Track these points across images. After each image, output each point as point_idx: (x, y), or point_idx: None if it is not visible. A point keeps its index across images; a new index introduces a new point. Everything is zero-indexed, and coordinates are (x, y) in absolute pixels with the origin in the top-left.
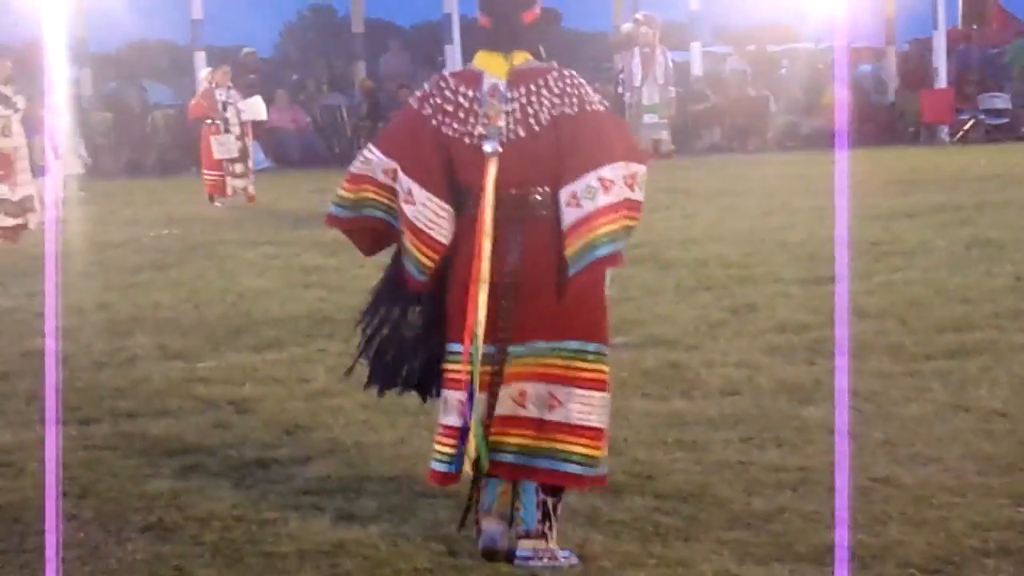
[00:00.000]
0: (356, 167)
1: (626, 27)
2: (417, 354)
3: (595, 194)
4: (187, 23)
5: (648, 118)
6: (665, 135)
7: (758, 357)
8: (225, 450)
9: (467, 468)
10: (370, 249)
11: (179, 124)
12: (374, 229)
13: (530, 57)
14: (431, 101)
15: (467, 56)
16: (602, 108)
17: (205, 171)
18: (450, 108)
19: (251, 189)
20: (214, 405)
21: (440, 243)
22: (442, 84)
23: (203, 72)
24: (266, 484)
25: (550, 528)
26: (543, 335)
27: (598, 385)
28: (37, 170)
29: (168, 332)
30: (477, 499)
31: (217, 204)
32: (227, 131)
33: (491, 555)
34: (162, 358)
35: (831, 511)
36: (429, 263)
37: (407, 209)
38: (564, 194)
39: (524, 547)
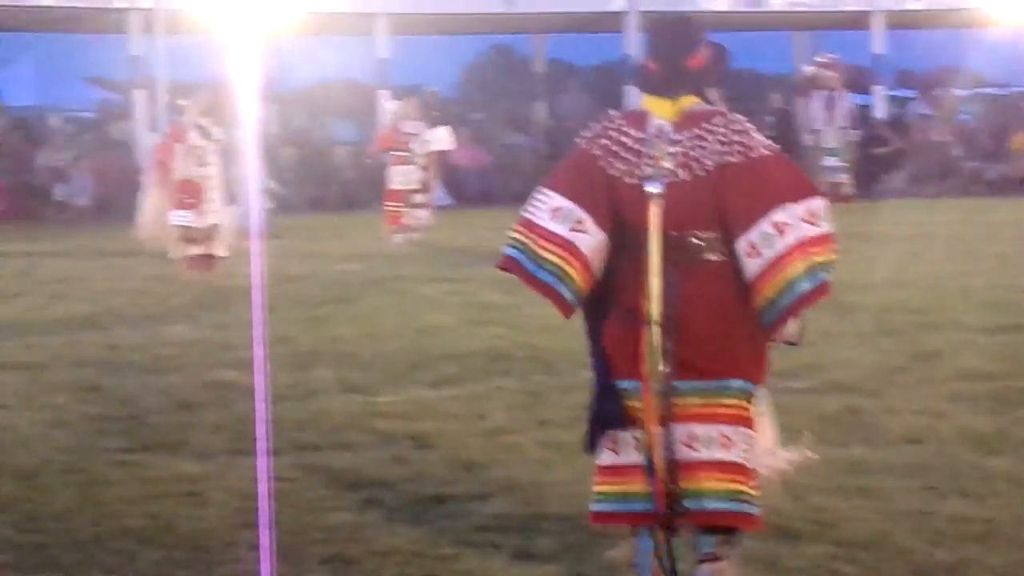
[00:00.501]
0: (528, 210)
1: (809, 70)
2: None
3: (772, 240)
4: (372, 62)
5: (828, 161)
6: (845, 178)
7: (941, 405)
8: (404, 485)
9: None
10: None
11: (361, 160)
12: (551, 297)
13: (697, 100)
14: (599, 141)
15: None
16: (768, 152)
17: (385, 202)
18: (616, 148)
19: (428, 221)
20: (393, 439)
21: (595, 275)
22: (609, 124)
23: (391, 105)
24: (444, 520)
25: (728, 552)
26: (704, 374)
27: (745, 422)
28: (229, 200)
29: (348, 366)
30: (667, 540)
31: (398, 239)
32: (411, 163)
33: None
34: (342, 391)
35: (1019, 566)
36: (581, 284)
37: (575, 236)
38: (742, 246)
39: None
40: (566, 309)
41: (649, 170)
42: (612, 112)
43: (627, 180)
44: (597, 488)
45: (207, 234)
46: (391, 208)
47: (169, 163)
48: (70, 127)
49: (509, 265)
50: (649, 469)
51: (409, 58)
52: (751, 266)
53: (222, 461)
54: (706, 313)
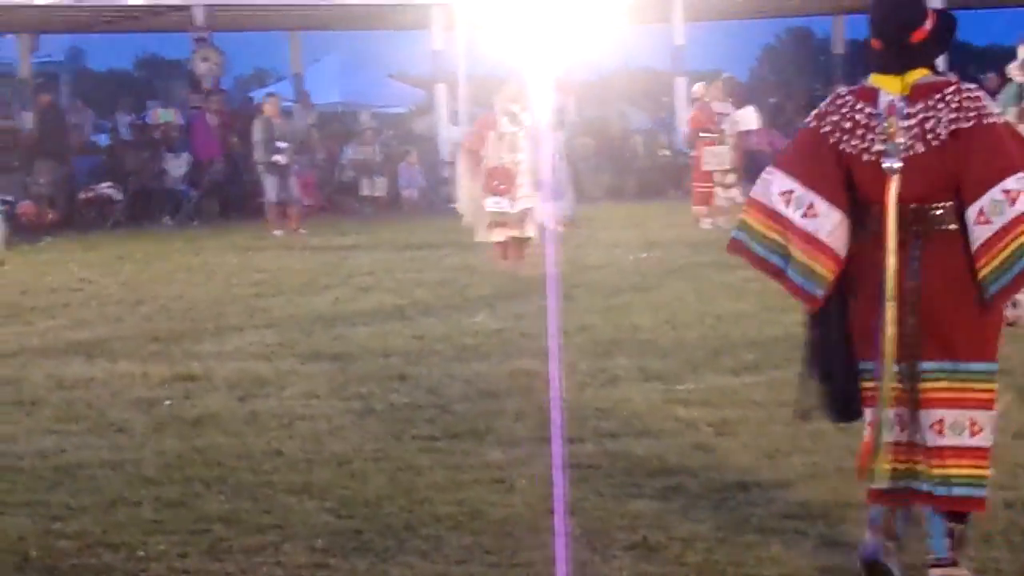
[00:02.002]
0: (755, 190)
1: None
2: (836, 376)
3: (1003, 207)
4: (668, 49)
5: None
6: None
7: None
8: (706, 472)
9: (878, 485)
10: (774, 277)
11: (657, 148)
12: (774, 274)
13: (927, 72)
14: (829, 119)
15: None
16: (1000, 120)
17: (696, 183)
18: (848, 125)
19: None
20: (694, 427)
21: (838, 255)
22: (840, 102)
23: (696, 87)
24: (747, 507)
25: (960, 553)
26: (949, 355)
27: (991, 405)
28: (537, 186)
29: (648, 354)
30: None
31: (706, 224)
32: (722, 143)
33: (869, 567)
34: (642, 379)
35: None
36: (829, 275)
37: (807, 224)
38: (971, 212)
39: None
40: (812, 300)
41: (884, 145)
42: (841, 89)
43: (863, 157)
44: (874, 465)
45: (519, 219)
46: (702, 188)
47: (480, 150)
48: (375, 122)
49: (734, 245)
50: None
51: (704, 44)
52: (978, 233)
53: (527, 449)
54: (948, 286)
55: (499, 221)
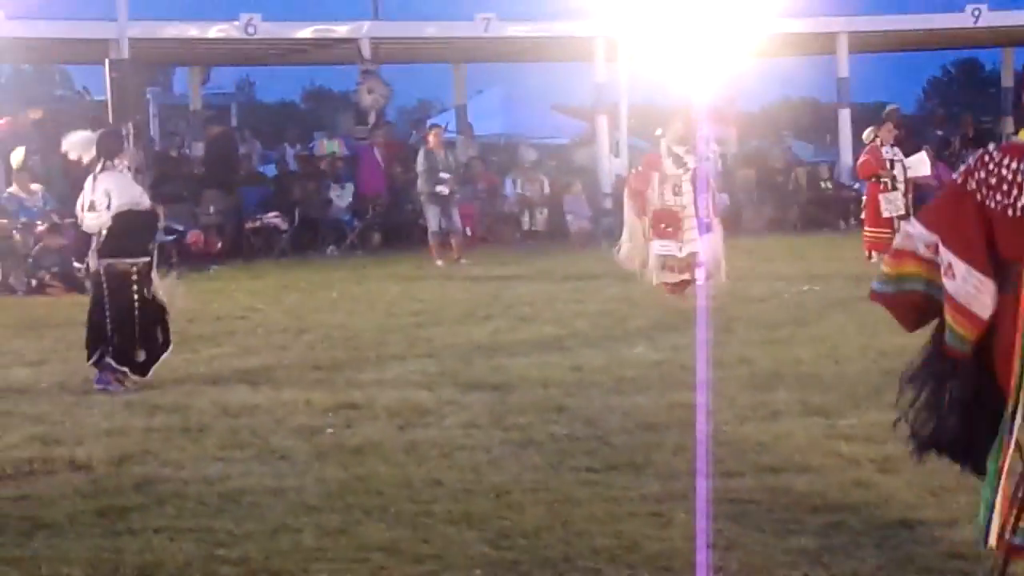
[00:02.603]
0: (898, 242)
1: None
2: (959, 424)
3: None
4: (832, 81)
5: None
6: None
7: None
8: (868, 509)
9: (992, 542)
10: (913, 324)
11: (819, 181)
12: (915, 304)
13: None
14: (976, 175)
15: None
16: None
17: (868, 228)
18: (994, 181)
19: None
20: (855, 463)
21: (979, 318)
22: (987, 158)
23: (867, 131)
24: (911, 545)
25: None
26: None
27: None
28: (702, 227)
29: (809, 388)
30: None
31: (874, 260)
32: (894, 188)
33: None
34: (803, 414)
35: None
36: (969, 336)
37: (947, 283)
38: None
39: None
40: (961, 355)
41: None
42: (989, 147)
43: (1008, 213)
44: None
45: (687, 262)
46: (873, 235)
47: (645, 192)
48: (535, 154)
49: (875, 297)
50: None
51: (869, 76)
52: None
53: (685, 482)
54: None
55: (668, 265)
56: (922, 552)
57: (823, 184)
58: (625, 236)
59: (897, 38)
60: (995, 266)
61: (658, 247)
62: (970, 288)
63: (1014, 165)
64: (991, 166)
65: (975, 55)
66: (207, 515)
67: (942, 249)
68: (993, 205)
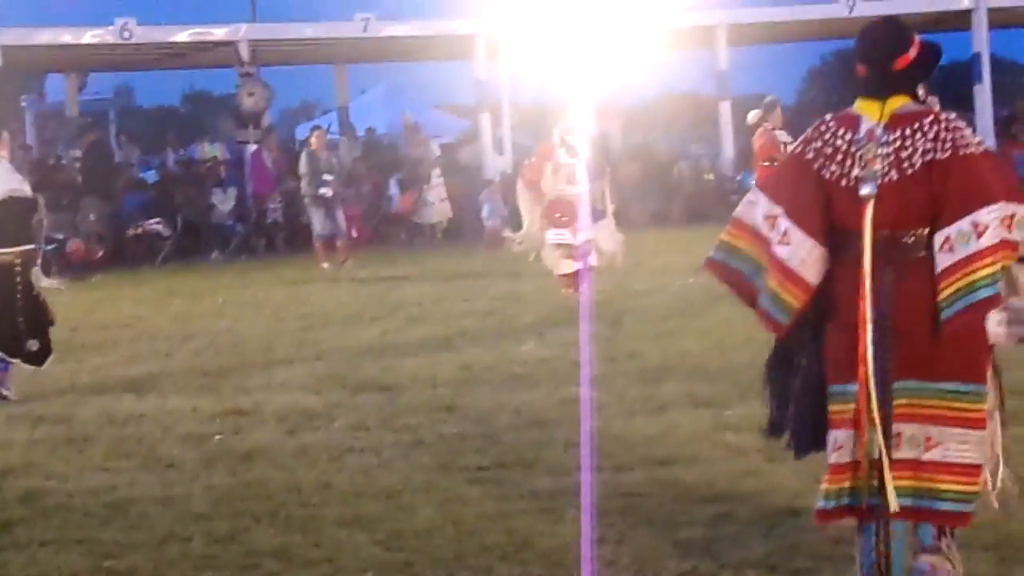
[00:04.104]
0: (740, 211)
1: None
2: (804, 401)
3: (969, 239)
4: (712, 74)
5: None
6: None
7: None
8: (756, 498)
9: (892, 505)
10: (749, 300)
11: (702, 174)
12: (739, 283)
13: (907, 100)
14: (813, 145)
15: (997, 96)
16: (979, 150)
17: None
18: (829, 151)
19: None
20: (743, 453)
21: (809, 284)
22: (823, 128)
23: (751, 115)
24: (798, 533)
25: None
26: (917, 374)
27: (976, 424)
28: (595, 215)
29: (697, 380)
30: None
31: None
32: None
33: None
34: (691, 406)
35: None
36: (795, 303)
37: (780, 250)
38: (938, 239)
39: None
40: (776, 327)
41: (861, 171)
42: (826, 117)
43: (841, 183)
44: (824, 486)
45: (581, 250)
46: None
47: (539, 182)
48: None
49: (708, 264)
50: (869, 468)
51: (748, 68)
52: (941, 260)
53: (575, 477)
54: (922, 311)
55: (565, 254)
56: (809, 539)
57: (706, 177)
58: (524, 228)
59: (775, 30)
60: (830, 234)
61: (553, 236)
62: (804, 254)
63: (848, 135)
64: (827, 136)
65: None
66: (94, 526)
67: (781, 218)
68: (828, 175)
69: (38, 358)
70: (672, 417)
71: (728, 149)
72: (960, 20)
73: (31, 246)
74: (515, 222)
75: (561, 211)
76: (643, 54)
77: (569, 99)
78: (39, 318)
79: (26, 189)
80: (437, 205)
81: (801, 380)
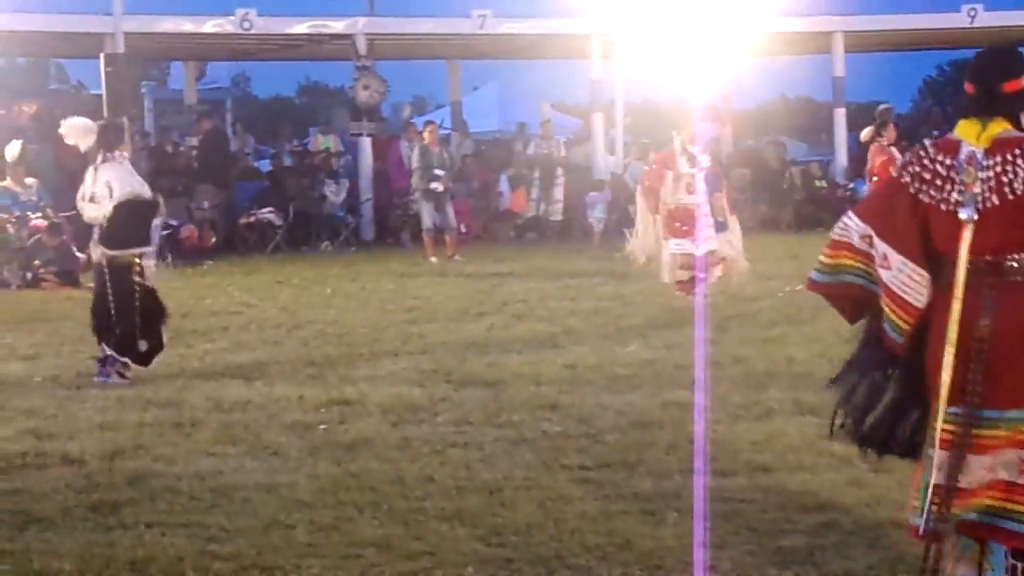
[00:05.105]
0: (836, 232)
1: None
2: (899, 416)
3: None
4: (828, 80)
5: None
6: None
7: None
8: (860, 508)
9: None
10: (852, 315)
11: (813, 180)
12: (852, 296)
13: (1008, 126)
14: (910, 169)
15: None
16: None
17: None
18: (928, 176)
19: None
20: (848, 462)
21: (914, 307)
22: (922, 153)
23: (866, 131)
24: (902, 545)
25: None
26: (1017, 403)
27: None
28: (718, 226)
29: (802, 387)
30: (936, 558)
31: None
32: None
33: None
34: (797, 413)
35: None
36: (905, 326)
37: (883, 274)
38: None
39: None
40: (874, 302)
41: (961, 196)
42: (926, 141)
43: (940, 207)
44: (927, 505)
45: (703, 261)
46: None
47: (659, 190)
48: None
49: (812, 286)
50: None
51: (865, 75)
52: None
53: (678, 481)
54: (1019, 337)
55: (684, 263)
56: (913, 552)
57: (817, 183)
58: (637, 231)
59: (893, 38)
60: (931, 258)
61: (674, 246)
62: (904, 278)
63: (947, 160)
64: (925, 161)
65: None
66: (199, 510)
67: (876, 240)
68: (927, 200)
69: (147, 358)
70: (777, 424)
71: (841, 156)
72: None
73: (150, 247)
74: (626, 223)
75: (681, 220)
76: (758, 57)
77: (688, 106)
78: (154, 317)
79: (146, 191)
80: (562, 203)
81: (895, 390)
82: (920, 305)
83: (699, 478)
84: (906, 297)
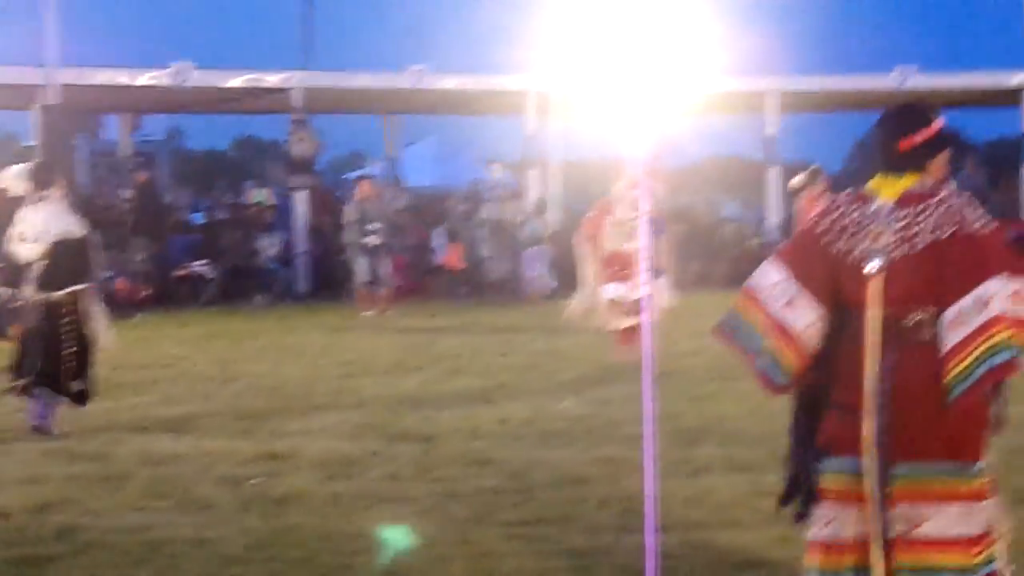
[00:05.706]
0: (752, 278)
1: None
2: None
3: (977, 311)
4: (760, 139)
5: None
6: None
7: None
8: (791, 564)
9: None
10: (751, 368)
11: (747, 237)
12: (744, 353)
13: (918, 178)
14: (827, 218)
15: None
16: (983, 230)
17: None
18: (837, 228)
19: None
20: (779, 519)
21: (807, 350)
22: (836, 205)
23: (795, 179)
24: None
25: None
26: (921, 456)
27: (979, 496)
28: (655, 272)
29: (735, 444)
30: None
31: None
32: None
33: None
34: (729, 469)
35: None
36: (791, 367)
37: (786, 314)
38: (945, 319)
39: None
40: (775, 389)
41: (868, 248)
42: (842, 194)
43: (847, 260)
44: (816, 563)
45: (636, 307)
46: None
47: (597, 237)
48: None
49: (715, 330)
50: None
51: (798, 135)
52: (949, 339)
53: (611, 537)
54: (925, 392)
55: (620, 309)
56: None
57: (751, 241)
58: (581, 289)
59: (825, 98)
60: (837, 308)
61: (610, 291)
62: (807, 319)
63: (855, 215)
64: (841, 210)
65: None
66: (128, 565)
67: (789, 282)
68: (835, 251)
69: (82, 398)
70: (708, 480)
71: (773, 214)
72: (1010, 97)
73: (84, 286)
74: (561, 279)
75: (619, 265)
76: (691, 116)
77: (626, 156)
78: (86, 359)
79: (76, 230)
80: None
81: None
82: (812, 350)
83: (649, 536)
84: (802, 339)
